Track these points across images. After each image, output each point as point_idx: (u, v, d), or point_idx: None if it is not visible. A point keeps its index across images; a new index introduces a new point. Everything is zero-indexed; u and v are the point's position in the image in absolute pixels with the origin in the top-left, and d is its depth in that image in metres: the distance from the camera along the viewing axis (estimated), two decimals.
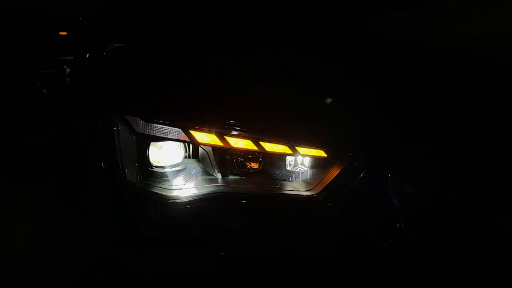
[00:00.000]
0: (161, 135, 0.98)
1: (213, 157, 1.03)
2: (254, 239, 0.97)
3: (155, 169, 1.03)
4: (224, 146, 0.97)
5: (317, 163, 1.03)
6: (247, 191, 0.99)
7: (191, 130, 0.96)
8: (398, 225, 0.94)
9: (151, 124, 0.97)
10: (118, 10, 1.78)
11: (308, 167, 1.06)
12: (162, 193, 0.97)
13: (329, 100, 1.07)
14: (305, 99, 1.07)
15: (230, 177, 1.04)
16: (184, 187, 1.00)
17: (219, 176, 1.03)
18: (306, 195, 0.98)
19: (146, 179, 1.00)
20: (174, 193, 0.97)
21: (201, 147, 1.07)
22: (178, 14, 1.82)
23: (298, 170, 1.06)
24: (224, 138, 0.96)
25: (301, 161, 1.06)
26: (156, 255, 0.98)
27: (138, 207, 0.98)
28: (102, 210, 1.04)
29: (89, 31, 1.63)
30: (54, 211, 1.73)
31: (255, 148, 0.97)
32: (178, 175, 1.03)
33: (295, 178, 1.06)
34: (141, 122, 0.97)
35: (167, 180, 1.02)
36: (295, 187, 1.01)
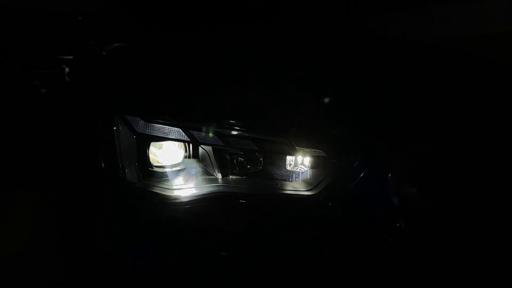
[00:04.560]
0: (161, 135, 0.98)
1: (213, 157, 1.03)
2: (254, 239, 0.97)
3: (155, 169, 1.03)
4: (224, 146, 0.97)
5: (317, 163, 1.03)
6: (247, 191, 1.00)
7: (191, 129, 0.96)
8: (398, 225, 0.95)
9: (151, 124, 0.97)
10: (117, 9, 1.78)
11: (308, 167, 1.06)
12: (162, 193, 0.97)
13: (329, 100, 1.07)
14: (305, 99, 1.07)
15: (230, 177, 1.04)
16: (184, 187, 1.00)
17: (219, 176, 1.03)
18: (306, 195, 0.98)
19: (146, 179, 1.00)
20: (174, 193, 0.97)
21: (201, 147, 1.07)
22: (177, 13, 1.81)
23: (298, 170, 1.06)
24: (224, 138, 0.96)
25: (301, 161, 1.06)
26: (157, 255, 0.98)
27: (138, 207, 0.98)
28: (102, 210, 1.04)
29: (88, 30, 1.62)
30: (54, 212, 1.73)
31: (255, 148, 0.97)
32: (178, 175, 1.03)
33: (295, 178, 1.06)
34: (141, 122, 0.97)
35: (167, 180, 1.02)
36: (295, 187, 1.01)
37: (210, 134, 0.96)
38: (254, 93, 1.06)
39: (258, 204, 0.98)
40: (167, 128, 0.97)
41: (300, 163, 1.06)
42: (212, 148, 1.02)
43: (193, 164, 1.08)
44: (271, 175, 1.07)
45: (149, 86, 1.09)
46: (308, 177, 1.04)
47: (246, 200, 0.97)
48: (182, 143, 1.07)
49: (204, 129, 0.96)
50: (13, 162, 2.36)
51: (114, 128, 0.98)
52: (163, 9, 1.81)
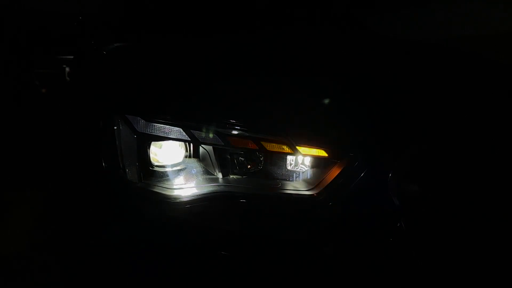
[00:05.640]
0: (162, 135, 0.98)
1: (213, 156, 1.03)
2: (254, 239, 0.97)
3: (156, 169, 1.03)
4: (224, 146, 0.98)
5: (318, 162, 1.03)
6: (247, 190, 0.99)
7: (191, 129, 0.96)
8: (398, 224, 0.95)
9: (152, 124, 0.97)
10: (117, 9, 1.79)
11: (308, 166, 1.06)
12: (163, 192, 0.97)
13: (329, 100, 1.07)
14: (306, 99, 1.07)
15: (231, 176, 1.04)
16: (185, 187, 1.00)
17: (219, 175, 1.03)
18: (307, 194, 0.98)
19: (146, 178, 1.00)
20: (175, 193, 0.97)
21: (202, 147, 1.07)
22: (177, 13, 1.82)
23: (298, 169, 1.06)
24: (225, 138, 0.96)
25: (301, 160, 1.06)
26: (157, 254, 0.98)
27: (138, 207, 0.98)
28: (102, 209, 1.04)
29: (89, 30, 1.63)
30: (54, 211, 1.73)
31: (255, 147, 0.97)
32: (178, 175, 1.03)
33: (296, 177, 1.06)
34: (142, 121, 0.97)
35: (167, 180, 1.02)
36: (296, 187, 1.02)
37: (211, 134, 0.96)
38: (255, 93, 1.06)
39: (259, 204, 0.98)
40: (167, 127, 0.97)
41: (300, 162, 1.06)
42: (213, 147, 1.02)
43: (193, 163, 1.08)
44: (271, 174, 1.07)
45: (149, 86, 1.09)
46: (309, 177, 1.04)
47: (246, 199, 0.97)
48: (182, 143, 1.07)
49: (204, 128, 0.96)
50: (14, 162, 2.37)
51: (115, 127, 0.99)
52: (163, 9, 1.81)
